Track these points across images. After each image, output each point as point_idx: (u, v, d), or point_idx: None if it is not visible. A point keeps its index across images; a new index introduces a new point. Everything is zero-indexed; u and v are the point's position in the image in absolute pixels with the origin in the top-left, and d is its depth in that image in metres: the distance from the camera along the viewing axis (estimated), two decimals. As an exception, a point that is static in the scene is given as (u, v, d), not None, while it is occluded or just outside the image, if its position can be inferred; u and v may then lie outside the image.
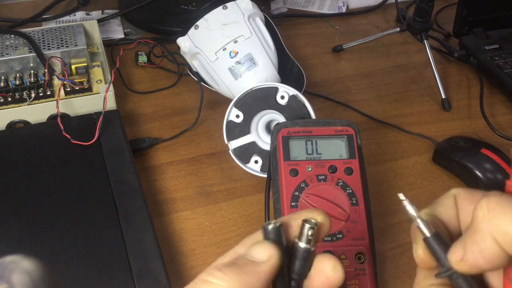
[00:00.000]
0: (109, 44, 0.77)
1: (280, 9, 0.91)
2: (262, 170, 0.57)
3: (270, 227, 0.26)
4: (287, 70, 0.69)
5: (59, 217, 0.50)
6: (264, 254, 0.26)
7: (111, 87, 0.62)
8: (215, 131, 0.65)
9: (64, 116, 0.60)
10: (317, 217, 0.27)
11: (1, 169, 0.54)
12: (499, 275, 0.26)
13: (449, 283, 0.26)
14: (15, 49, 0.65)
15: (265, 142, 0.58)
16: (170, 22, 0.82)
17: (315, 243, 0.27)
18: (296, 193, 0.48)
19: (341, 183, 0.48)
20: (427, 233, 0.26)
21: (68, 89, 0.63)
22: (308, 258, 0.26)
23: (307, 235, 0.26)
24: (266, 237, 0.27)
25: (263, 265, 0.26)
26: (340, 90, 0.74)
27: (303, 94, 0.57)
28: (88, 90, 0.64)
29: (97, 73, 0.67)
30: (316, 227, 0.26)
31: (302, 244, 0.26)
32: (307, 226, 0.26)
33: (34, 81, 0.64)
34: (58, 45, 0.67)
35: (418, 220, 0.26)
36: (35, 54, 0.64)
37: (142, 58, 0.76)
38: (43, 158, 0.56)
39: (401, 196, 0.27)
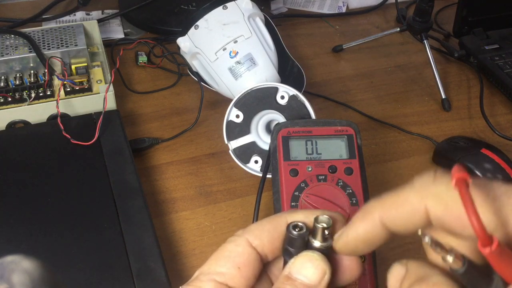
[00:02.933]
0: (109, 44, 0.77)
1: (280, 9, 0.91)
2: (262, 170, 0.57)
3: (297, 233, 0.25)
4: (287, 70, 0.69)
5: (59, 217, 0.50)
6: (319, 273, 0.24)
7: (111, 87, 0.62)
8: (215, 131, 0.65)
9: (64, 116, 0.60)
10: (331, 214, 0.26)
11: (1, 169, 0.54)
12: None
13: None
14: (15, 49, 0.65)
15: (265, 142, 0.57)
16: (170, 22, 0.82)
17: (332, 239, 0.25)
18: (296, 193, 0.48)
19: (341, 183, 0.48)
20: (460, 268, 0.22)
21: (68, 89, 0.63)
22: (329, 254, 0.25)
23: (324, 232, 0.25)
24: (291, 242, 0.25)
25: (320, 286, 0.24)
26: (340, 90, 0.74)
27: (303, 94, 0.57)
28: (88, 90, 0.64)
29: (97, 73, 0.67)
30: (331, 223, 0.25)
31: (318, 243, 0.25)
32: (322, 221, 0.25)
33: (34, 81, 0.64)
34: (58, 45, 0.67)
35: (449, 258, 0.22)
36: (35, 54, 0.64)
37: (142, 58, 0.76)
38: (43, 158, 0.56)
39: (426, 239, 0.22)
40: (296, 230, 0.25)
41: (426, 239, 0.22)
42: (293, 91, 0.56)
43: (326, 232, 0.25)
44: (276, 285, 0.25)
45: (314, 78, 0.76)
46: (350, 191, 0.48)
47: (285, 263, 0.26)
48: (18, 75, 0.64)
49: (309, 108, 0.55)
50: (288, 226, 0.26)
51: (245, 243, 0.26)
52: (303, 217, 0.26)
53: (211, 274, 0.26)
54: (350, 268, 0.26)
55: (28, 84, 0.63)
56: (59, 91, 0.61)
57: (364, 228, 0.24)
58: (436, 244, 0.22)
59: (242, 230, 0.27)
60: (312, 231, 0.26)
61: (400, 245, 0.54)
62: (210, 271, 0.26)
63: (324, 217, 0.25)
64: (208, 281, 0.25)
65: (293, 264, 0.25)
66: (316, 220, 0.25)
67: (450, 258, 0.21)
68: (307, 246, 0.26)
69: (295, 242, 0.25)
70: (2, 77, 0.63)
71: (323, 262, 0.24)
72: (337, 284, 0.26)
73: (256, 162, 0.57)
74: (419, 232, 0.23)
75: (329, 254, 0.25)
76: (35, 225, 0.49)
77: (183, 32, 0.65)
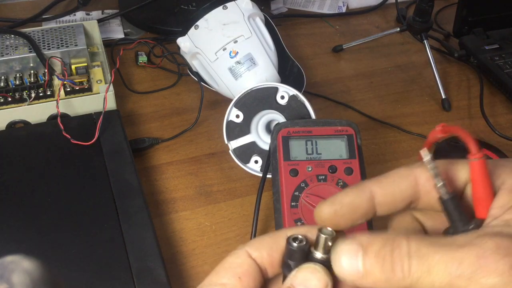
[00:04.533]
0: (109, 44, 0.77)
1: (280, 9, 0.91)
2: (262, 170, 0.57)
3: (296, 246, 0.25)
4: (287, 70, 0.69)
5: (59, 217, 0.50)
6: (321, 285, 0.24)
7: (111, 87, 0.62)
8: (215, 131, 0.65)
9: (64, 116, 0.60)
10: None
11: (1, 169, 0.54)
12: None
13: None
14: (15, 49, 0.65)
15: (265, 142, 0.57)
16: (170, 22, 0.82)
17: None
18: (296, 193, 0.48)
19: (341, 183, 0.48)
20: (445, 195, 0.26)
21: (68, 89, 0.63)
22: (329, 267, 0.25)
23: (327, 243, 0.25)
24: (290, 255, 0.25)
25: None
26: (340, 90, 0.74)
27: (303, 94, 0.57)
28: (88, 90, 0.64)
29: (97, 73, 0.67)
30: (333, 236, 0.25)
31: (320, 255, 0.25)
32: (324, 235, 0.25)
33: (34, 81, 0.64)
34: (58, 45, 0.67)
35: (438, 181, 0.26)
36: (35, 54, 0.64)
37: (142, 58, 0.76)
38: (43, 158, 0.56)
39: (424, 154, 0.26)
40: (296, 242, 0.25)
41: (427, 158, 0.26)
42: (293, 91, 0.56)
43: (329, 243, 0.25)
44: None
45: (314, 78, 0.76)
46: (350, 191, 0.48)
47: (284, 278, 0.26)
48: (18, 75, 0.64)
49: (309, 108, 0.55)
50: (288, 238, 0.26)
51: (244, 255, 0.26)
52: (304, 231, 0.27)
53: (212, 285, 0.26)
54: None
55: (28, 84, 0.63)
56: (59, 91, 0.61)
57: (355, 195, 0.26)
58: (434, 167, 0.26)
59: (243, 244, 0.27)
60: (314, 243, 0.26)
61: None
62: (212, 283, 0.26)
63: (328, 229, 0.25)
64: None
65: (295, 276, 0.25)
66: (319, 230, 0.25)
67: (439, 184, 0.25)
68: (308, 258, 0.26)
69: (295, 255, 0.25)
70: (2, 77, 0.63)
71: (325, 274, 0.25)
72: None
73: (256, 162, 0.57)
74: (421, 152, 0.26)
75: (330, 266, 0.25)
76: (35, 225, 0.49)
77: (183, 32, 0.65)
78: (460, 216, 0.25)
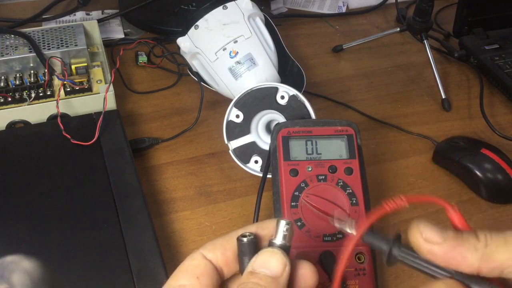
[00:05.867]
0: (109, 44, 0.77)
1: (280, 9, 0.91)
2: (262, 170, 0.57)
3: (246, 240, 0.27)
4: (287, 70, 0.69)
5: (59, 217, 0.50)
6: (280, 265, 0.26)
7: (111, 87, 0.62)
8: (215, 131, 0.65)
9: (64, 116, 0.60)
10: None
11: (1, 169, 0.54)
12: None
13: None
14: (15, 49, 0.65)
15: (265, 142, 0.57)
16: (170, 22, 0.82)
17: (290, 240, 0.27)
18: (296, 193, 0.48)
19: (341, 183, 0.48)
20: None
21: (68, 89, 0.63)
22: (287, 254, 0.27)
23: (283, 231, 0.27)
24: (242, 251, 0.27)
25: (282, 278, 0.26)
26: (340, 90, 0.74)
27: (303, 94, 0.57)
28: (88, 90, 0.64)
29: (97, 73, 0.67)
30: (290, 224, 0.27)
31: (279, 241, 0.27)
32: (283, 222, 0.27)
33: (34, 81, 0.64)
34: (58, 45, 0.67)
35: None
36: (35, 54, 0.64)
37: (142, 58, 0.76)
38: (43, 158, 0.56)
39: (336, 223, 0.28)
40: (246, 237, 0.27)
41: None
42: (293, 91, 0.56)
43: (285, 230, 0.27)
44: (240, 283, 0.26)
45: (314, 78, 0.76)
46: (350, 191, 0.48)
47: (242, 272, 0.28)
48: (18, 75, 0.64)
49: (309, 108, 0.55)
50: (237, 238, 0.28)
51: (200, 256, 0.28)
52: (254, 229, 0.29)
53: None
54: (305, 276, 0.27)
55: (28, 84, 0.63)
56: (59, 91, 0.61)
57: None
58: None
59: (197, 249, 0.29)
60: (274, 233, 0.28)
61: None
62: (171, 286, 0.27)
63: (284, 219, 0.27)
64: None
65: (255, 261, 0.27)
66: (277, 221, 0.27)
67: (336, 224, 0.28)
68: (268, 245, 0.27)
69: (247, 248, 0.27)
70: (2, 77, 0.63)
71: (283, 255, 0.26)
72: None
73: (256, 162, 0.57)
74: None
75: (288, 253, 0.27)
76: (35, 225, 0.49)
77: (183, 32, 0.65)
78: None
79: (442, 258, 0.25)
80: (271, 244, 0.27)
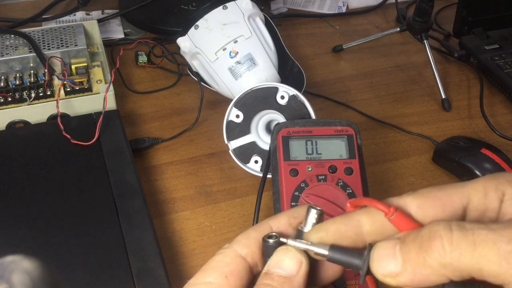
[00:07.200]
0: (109, 44, 0.77)
1: (280, 9, 0.91)
2: (262, 170, 0.57)
3: (272, 241, 0.26)
4: (287, 70, 0.69)
5: (59, 217, 0.50)
6: (294, 264, 0.24)
7: (111, 87, 0.62)
8: (215, 131, 0.65)
9: (64, 116, 0.60)
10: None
11: (1, 169, 0.54)
12: None
13: None
14: (15, 49, 0.65)
15: (265, 142, 0.57)
16: (170, 22, 0.82)
17: None
18: (296, 193, 0.48)
19: (341, 183, 0.48)
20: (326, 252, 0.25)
21: (68, 89, 0.63)
22: None
23: (313, 220, 0.25)
24: (268, 253, 0.26)
25: (298, 276, 0.24)
26: (340, 90, 0.74)
27: (303, 94, 0.57)
28: (88, 90, 0.64)
29: (97, 73, 0.67)
30: (321, 212, 0.26)
31: (308, 229, 0.26)
32: (313, 211, 0.26)
33: (34, 81, 0.64)
34: (58, 45, 0.67)
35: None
36: (35, 54, 0.64)
37: (142, 58, 0.76)
38: (43, 158, 0.56)
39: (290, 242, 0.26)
40: (272, 239, 0.26)
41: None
42: (293, 91, 0.56)
43: (316, 219, 0.26)
44: (255, 286, 0.25)
45: (314, 78, 0.76)
46: (350, 191, 0.48)
47: None
48: (18, 75, 0.64)
49: (309, 108, 0.55)
50: (263, 238, 0.26)
51: (233, 253, 0.27)
52: (285, 219, 0.27)
53: (198, 284, 0.26)
54: (331, 266, 0.26)
55: (28, 84, 0.63)
56: (59, 91, 0.61)
57: (341, 223, 0.25)
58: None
59: (229, 243, 0.27)
60: (304, 221, 0.26)
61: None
62: (197, 282, 0.26)
63: (315, 207, 0.26)
64: None
65: (270, 261, 0.25)
66: (308, 209, 0.26)
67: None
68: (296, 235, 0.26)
69: (273, 251, 0.26)
70: (2, 77, 0.63)
71: (297, 252, 0.25)
72: (319, 283, 0.26)
73: (256, 162, 0.57)
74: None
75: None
76: (35, 225, 0.49)
77: (183, 32, 0.65)
78: None
79: (416, 283, 0.22)
80: (299, 232, 0.26)
